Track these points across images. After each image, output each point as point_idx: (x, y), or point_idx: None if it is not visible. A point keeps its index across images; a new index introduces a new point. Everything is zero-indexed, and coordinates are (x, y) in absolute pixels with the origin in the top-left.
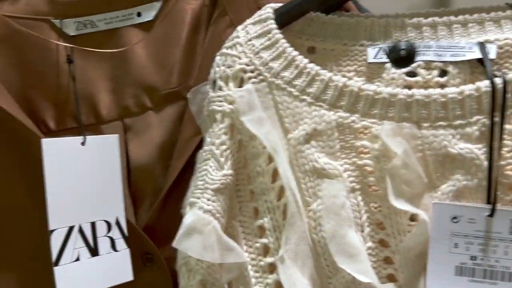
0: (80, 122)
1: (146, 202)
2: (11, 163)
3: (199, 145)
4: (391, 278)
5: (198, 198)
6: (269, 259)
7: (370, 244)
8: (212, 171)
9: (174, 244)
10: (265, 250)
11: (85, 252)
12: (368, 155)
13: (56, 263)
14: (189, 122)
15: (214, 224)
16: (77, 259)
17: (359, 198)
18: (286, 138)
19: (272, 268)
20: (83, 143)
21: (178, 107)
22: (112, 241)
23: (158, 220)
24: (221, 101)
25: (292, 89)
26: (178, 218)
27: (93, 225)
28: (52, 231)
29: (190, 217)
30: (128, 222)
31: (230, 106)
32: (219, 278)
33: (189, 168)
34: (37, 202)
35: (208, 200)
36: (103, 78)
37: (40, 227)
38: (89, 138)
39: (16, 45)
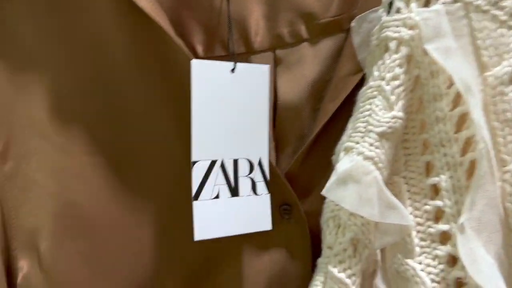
0: (233, 46)
1: (289, 147)
2: (157, 87)
3: (357, 86)
4: None
5: (357, 142)
6: (442, 226)
7: None
8: (379, 110)
9: (324, 192)
10: (437, 215)
11: (225, 190)
12: None
13: (196, 197)
14: (348, 58)
15: (375, 174)
16: (217, 196)
17: None
18: (482, 76)
19: (444, 237)
20: (233, 70)
21: (336, 40)
22: (253, 184)
23: (300, 169)
24: (398, 26)
25: (498, 12)
26: (323, 169)
27: (235, 162)
28: (194, 163)
29: (346, 163)
30: (270, 166)
31: (410, 32)
32: (372, 241)
33: (342, 113)
34: (179, 131)
35: (371, 145)
36: (257, 0)
37: (180, 159)
38: (240, 65)
39: None
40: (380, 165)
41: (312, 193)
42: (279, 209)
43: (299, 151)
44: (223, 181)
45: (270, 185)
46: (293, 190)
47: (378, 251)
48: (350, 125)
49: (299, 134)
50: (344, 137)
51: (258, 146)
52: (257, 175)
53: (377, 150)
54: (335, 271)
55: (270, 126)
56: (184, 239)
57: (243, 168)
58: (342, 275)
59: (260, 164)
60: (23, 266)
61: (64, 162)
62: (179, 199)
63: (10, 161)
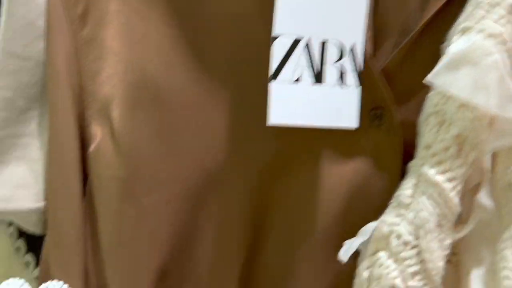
0: None
1: (390, 39)
2: None
3: None
4: None
5: (479, 19)
6: None
7: None
8: None
9: (430, 77)
10: None
11: (308, 75)
12: None
13: (275, 76)
14: None
15: (497, 57)
16: (298, 80)
17: None
18: None
19: None
20: None
21: None
22: (342, 72)
23: (401, 67)
24: None
25: None
26: (429, 69)
27: (323, 45)
28: (276, 37)
29: (461, 44)
30: (365, 55)
31: None
32: (484, 141)
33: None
34: (263, 6)
35: (498, 19)
36: None
37: (262, 38)
38: None
39: None
40: (508, 45)
41: (413, 98)
42: (369, 112)
43: (401, 45)
44: (307, 63)
45: (361, 78)
46: (389, 91)
47: (488, 158)
48: (469, 5)
49: (403, 24)
50: (461, 19)
51: (352, 30)
52: (347, 63)
53: (508, 25)
54: (431, 172)
55: (370, 10)
56: (258, 126)
57: (332, 52)
58: (439, 178)
59: (352, 51)
60: (96, 134)
61: (142, 30)
62: (257, 82)
63: (88, 26)
